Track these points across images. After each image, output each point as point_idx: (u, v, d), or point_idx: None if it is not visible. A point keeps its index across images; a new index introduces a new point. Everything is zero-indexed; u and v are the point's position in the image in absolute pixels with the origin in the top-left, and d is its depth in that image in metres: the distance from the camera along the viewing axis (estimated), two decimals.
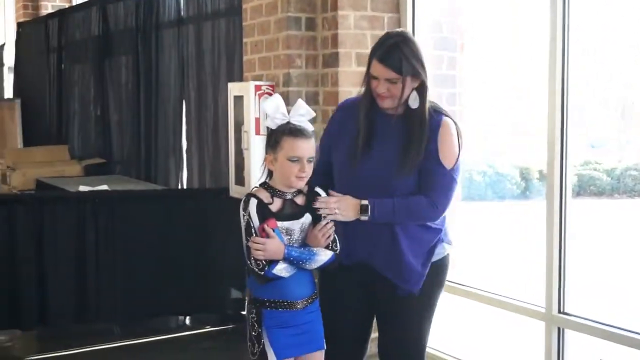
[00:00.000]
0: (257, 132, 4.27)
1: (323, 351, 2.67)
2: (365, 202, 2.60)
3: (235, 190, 4.52)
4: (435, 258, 2.71)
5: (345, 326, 2.77)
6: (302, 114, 2.59)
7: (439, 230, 2.70)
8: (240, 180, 4.42)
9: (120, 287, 4.63)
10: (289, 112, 2.60)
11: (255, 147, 4.25)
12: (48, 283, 4.50)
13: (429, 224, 2.67)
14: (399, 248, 2.64)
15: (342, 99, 4.01)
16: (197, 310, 4.95)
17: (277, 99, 2.62)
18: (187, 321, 5.10)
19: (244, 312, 4.89)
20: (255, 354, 2.56)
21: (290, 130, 2.54)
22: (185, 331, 4.92)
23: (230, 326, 4.87)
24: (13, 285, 4.43)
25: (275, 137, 2.57)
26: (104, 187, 5.67)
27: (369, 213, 2.59)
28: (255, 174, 4.21)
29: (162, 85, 6.26)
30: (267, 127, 2.63)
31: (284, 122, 2.57)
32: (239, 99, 4.43)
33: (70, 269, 4.55)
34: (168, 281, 4.71)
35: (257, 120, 4.28)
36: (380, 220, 2.61)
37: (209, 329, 4.91)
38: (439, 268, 2.74)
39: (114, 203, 4.76)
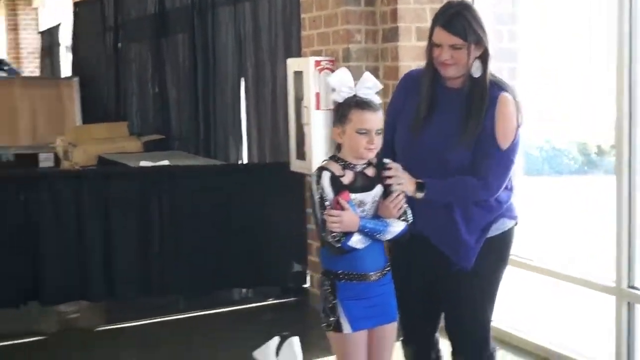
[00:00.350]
0: (318, 107, 4.30)
1: (395, 323, 2.68)
2: (420, 180, 2.58)
3: (296, 165, 4.56)
4: (495, 232, 2.67)
5: (414, 298, 2.76)
6: (369, 87, 2.58)
7: (497, 208, 2.66)
8: (301, 155, 4.46)
9: (184, 260, 4.73)
10: (355, 85, 2.60)
11: (316, 122, 4.28)
12: (114, 256, 4.62)
13: (487, 201, 2.63)
14: (454, 223, 2.63)
15: (402, 73, 3.97)
16: (259, 283, 5.03)
17: (343, 72, 2.61)
18: (250, 294, 5.18)
19: (305, 285, 4.97)
20: (330, 326, 2.58)
21: (357, 103, 2.54)
22: (248, 304, 5.00)
23: (292, 299, 4.95)
24: (81, 257, 4.57)
25: (343, 111, 2.57)
26: (165, 162, 5.76)
27: (424, 191, 2.58)
28: (317, 149, 4.25)
29: (220, 63, 6.32)
30: (334, 101, 2.63)
31: (351, 95, 2.57)
32: (298, 75, 4.45)
33: (134, 243, 4.67)
34: (230, 255, 4.80)
35: (318, 95, 4.30)
36: (434, 199, 2.60)
37: (271, 301, 4.98)
38: (500, 242, 2.70)
39: (176, 178, 4.85)
